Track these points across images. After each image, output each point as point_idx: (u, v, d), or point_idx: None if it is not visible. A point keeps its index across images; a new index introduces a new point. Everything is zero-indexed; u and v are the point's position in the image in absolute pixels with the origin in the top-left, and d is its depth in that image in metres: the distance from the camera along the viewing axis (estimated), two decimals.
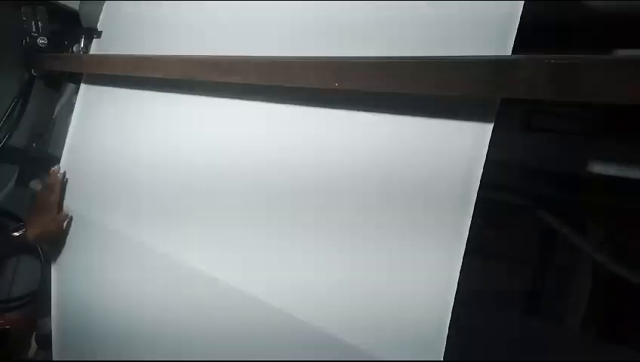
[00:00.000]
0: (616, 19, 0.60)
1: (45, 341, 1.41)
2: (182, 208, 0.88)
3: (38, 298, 1.41)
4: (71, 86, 1.39)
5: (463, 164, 0.55)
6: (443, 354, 0.54)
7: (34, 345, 1.46)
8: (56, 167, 1.16)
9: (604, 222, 0.99)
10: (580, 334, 1.41)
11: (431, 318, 0.55)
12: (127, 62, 0.98)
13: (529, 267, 1.54)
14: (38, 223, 1.05)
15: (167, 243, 0.88)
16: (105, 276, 1.04)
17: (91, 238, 1.09)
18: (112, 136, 1.08)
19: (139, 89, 1.02)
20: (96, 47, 1.19)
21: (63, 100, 1.45)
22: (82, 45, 1.21)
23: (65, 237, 1.12)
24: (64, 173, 1.15)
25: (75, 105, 1.22)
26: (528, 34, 0.54)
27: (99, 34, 1.17)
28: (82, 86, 1.21)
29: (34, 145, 1.39)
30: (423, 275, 0.57)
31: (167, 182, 0.91)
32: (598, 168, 0.66)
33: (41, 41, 1.25)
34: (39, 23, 1.25)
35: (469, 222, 0.53)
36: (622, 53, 0.58)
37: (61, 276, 1.20)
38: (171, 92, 0.93)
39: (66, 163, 1.21)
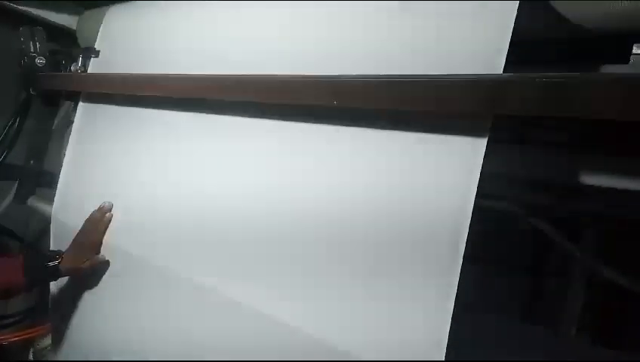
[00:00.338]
0: (603, 35, 0.62)
1: (43, 356, 1.41)
2: (184, 228, 0.89)
3: (36, 315, 1.41)
4: (69, 104, 1.41)
5: (459, 177, 0.57)
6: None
7: (31, 360, 1.46)
8: (107, 203, 1.05)
9: (596, 230, 1.01)
10: (575, 340, 1.43)
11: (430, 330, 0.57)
12: (126, 81, 0.99)
13: (524, 274, 1.56)
14: (74, 259, 1.00)
15: (177, 265, 0.89)
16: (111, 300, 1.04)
17: None
18: (111, 155, 1.09)
19: (138, 107, 1.04)
20: (94, 67, 1.20)
21: (60, 118, 1.47)
22: (80, 64, 1.23)
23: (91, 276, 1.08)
24: (112, 213, 1.05)
25: (74, 123, 1.23)
26: (518, 51, 0.56)
27: (97, 53, 1.19)
28: (80, 104, 1.22)
29: (31, 162, 1.40)
30: (421, 287, 0.59)
31: (169, 203, 0.92)
32: (590, 179, 0.69)
33: (39, 60, 1.27)
34: (37, 43, 1.27)
35: (466, 233, 0.55)
36: (608, 68, 0.60)
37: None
38: (171, 110, 0.95)
39: (64, 180, 1.22)
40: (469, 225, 0.56)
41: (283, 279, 0.73)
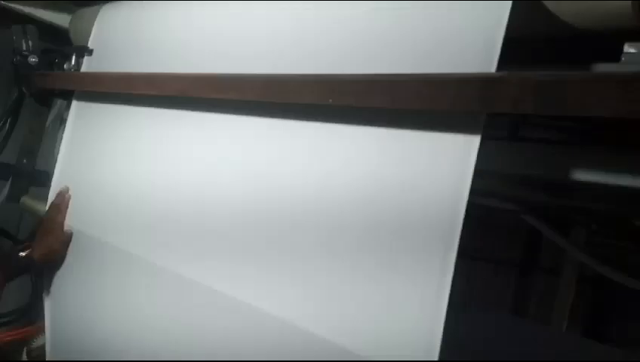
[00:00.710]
0: (594, 34, 0.63)
1: (38, 356, 1.41)
2: (179, 223, 0.89)
3: (29, 313, 1.40)
4: (62, 103, 1.40)
5: (452, 174, 0.58)
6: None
7: (25, 359, 1.46)
8: (63, 187, 1.15)
9: (589, 226, 1.03)
10: (566, 333, 1.45)
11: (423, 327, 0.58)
12: (120, 79, 0.99)
13: (518, 270, 1.58)
14: (44, 243, 1.06)
15: (168, 260, 0.89)
16: (102, 293, 1.04)
17: (85, 254, 1.10)
18: (105, 153, 1.09)
19: (132, 105, 1.04)
20: (87, 65, 1.19)
21: (53, 117, 1.46)
22: (73, 63, 1.22)
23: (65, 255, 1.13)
24: (70, 194, 1.14)
25: (67, 122, 1.23)
26: (511, 49, 0.57)
27: (90, 52, 1.18)
28: (73, 103, 1.22)
29: (24, 161, 1.39)
30: (415, 283, 0.59)
31: (164, 200, 0.92)
32: (584, 175, 0.69)
33: (32, 59, 1.26)
34: (29, 41, 1.26)
35: (460, 229, 0.56)
36: (600, 67, 0.61)
37: (56, 294, 1.20)
38: (166, 109, 0.95)
39: (59, 179, 1.21)
40: (462, 221, 0.56)
41: (271, 273, 0.74)
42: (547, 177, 0.73)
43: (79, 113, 1.20)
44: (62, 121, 1.33)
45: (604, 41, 0.62)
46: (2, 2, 1.29)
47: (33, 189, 1.40)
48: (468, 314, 1.01)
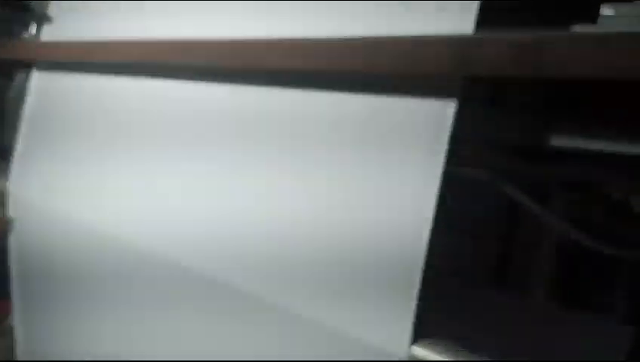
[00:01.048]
0: None
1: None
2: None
3: None
4: (22, 74, 1.34)
5: (426, 140, 0.56)
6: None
7: None
8: None
9: (567, 195, 1.02)
10: (545, 303, 1.47)
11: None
12: (81, 47, 0.95)
13: (496, 240, 1.59)
14: None
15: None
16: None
17: (50, 227, 1.07)
18: (68, 122, 1.05)
19: (94, 73, 1.00)
20: (47, 34, 1.15)
21: (14, 89, 1.40)
22: (32, 31, 1.17)
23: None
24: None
25: (28, 94, 1.18)
26: (488, 12, 0.55)
27: (50, 19, 1.13)
28: (35, 74, 1.17)
29: None
30: (388, 253, 0.58)
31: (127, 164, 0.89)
32: (561, 141, 0.68)
33: None
34: None
35: (434, 199, 0.54)
36: (576, 29, 0.60)
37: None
38: (127, 76, 0.91)
39: (21, 153, 1.17)
40: (437, 190, 0.55)
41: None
42: (523, 143, 0.72)
43: (40, 84, 1.16)
44: (24, 93, 1.28)
45: (582, 3, 0.60)
46: None
47: None
48: (444, 284, 1.01)
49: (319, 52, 0.61)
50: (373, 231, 0.60)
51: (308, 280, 0.65)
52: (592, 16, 0.58)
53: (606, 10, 0.57)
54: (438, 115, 0.56)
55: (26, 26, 1.20)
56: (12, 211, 1.16)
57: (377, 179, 0.59)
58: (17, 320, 1.17)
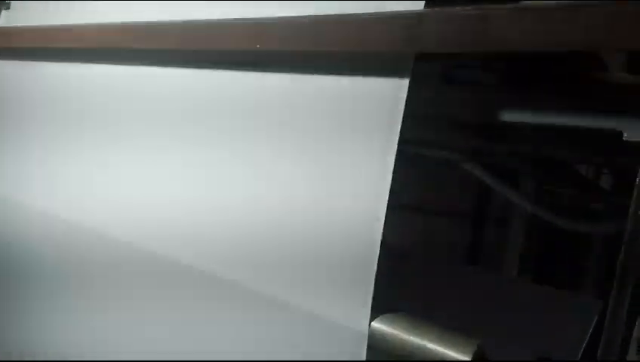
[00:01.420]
0: None
1: None
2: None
3: None
4: None
5: (379, 119, 0.56)
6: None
7: None
8: None
9: (530, 171, 1.03)
10: (516, 280, 1.49)
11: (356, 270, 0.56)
12: (39, 33, 0.93)
13: (467, 219, 1.60)
14: None
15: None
16: None
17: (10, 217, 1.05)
18: (29, 108, 1.04)
19: (58, 61, 0.98)
20: (4, 20, 1.12)
21: None
22: None
23: None
24: None
25: None
26: None
27: (7, 5, 1.11)
28: None
29: None
30: (346, 232, 0.58)
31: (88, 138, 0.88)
32: (521, 117, 0.68)
33: None
34: None
35: (390, 179, 0.54)
36: (524, 3, 0.59)
37: None
38: (88, 63, 0.89)
39: None
40: (392, 170, 0.55)
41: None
42: (480, 121, 0.72)
43: (1, 73, 1.13)
44: None
45: None
46: None
47: None
48: (411, 265, 1.01)
49: (270, 32, 0.60)
50: (331, 212, 0.60)
51: (269, 260, 0.65)
52: None
53: None
54: (391, 95, 0.56)
55: None
56: None
57: (331, 160, 0.59)
58: None
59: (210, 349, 0.71)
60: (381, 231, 0.56)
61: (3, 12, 1.11)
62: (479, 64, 0.71)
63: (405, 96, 0.54)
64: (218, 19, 0.68)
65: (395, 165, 0.54)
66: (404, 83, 0.55)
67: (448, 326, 0.56)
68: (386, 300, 0.58)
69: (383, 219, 0.56)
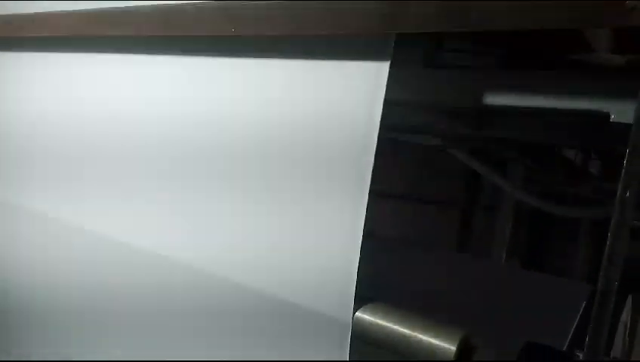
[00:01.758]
0: None
1: None
2: (80, 173, 0.83)
3: None
4: None
5: (361, 105, 0.54)
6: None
7: None
8: None
9: (516, 156, 1.02)
10: (505, 265, 1.49)
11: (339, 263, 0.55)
12: (7, 23, 0.90)
13: (455, 206, 1.59)
14: None
15: (73, 212, 0.84)
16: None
17: None
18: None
19: (25, 52, 0.95)
20: None
21: None
22: None
23: None
24: None
25: None
26: None
27: None
28: None
29: None
30: (328, 222, 0.56)
31: (64, 146, 0.85)
32: (507, 100, 0.67)
33: None
34: None
35: (372, 164, 0.53)
36: None
37: None
38: (59, 52, 0.87)
39: None
40: (374, 155, 0.53)
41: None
42: (469, 106, 0.70)
43: None
44: None
45: None
46: None
47: None
48: (396, 254, 1.00)
49: (248, 16, 0.58)
50: (311, 201, 0.58)
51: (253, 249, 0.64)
52: None
53: None
54: (373, 78, 0.54)
55: None
56: None
57: (308, 149, 0.58)
58: None
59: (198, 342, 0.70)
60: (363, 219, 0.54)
61: None
62: (468, 47, 0.70)
63: (386, 78, 0.53)
64: (193, 2, 0.66)
65: (376, 153, 0.53)
66: (385, 67, 0.53)
67: (436, 312, 0.55)
68: (371, 289, 0.57)
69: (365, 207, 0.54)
